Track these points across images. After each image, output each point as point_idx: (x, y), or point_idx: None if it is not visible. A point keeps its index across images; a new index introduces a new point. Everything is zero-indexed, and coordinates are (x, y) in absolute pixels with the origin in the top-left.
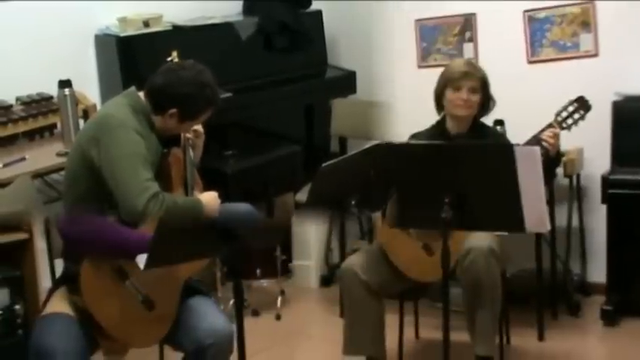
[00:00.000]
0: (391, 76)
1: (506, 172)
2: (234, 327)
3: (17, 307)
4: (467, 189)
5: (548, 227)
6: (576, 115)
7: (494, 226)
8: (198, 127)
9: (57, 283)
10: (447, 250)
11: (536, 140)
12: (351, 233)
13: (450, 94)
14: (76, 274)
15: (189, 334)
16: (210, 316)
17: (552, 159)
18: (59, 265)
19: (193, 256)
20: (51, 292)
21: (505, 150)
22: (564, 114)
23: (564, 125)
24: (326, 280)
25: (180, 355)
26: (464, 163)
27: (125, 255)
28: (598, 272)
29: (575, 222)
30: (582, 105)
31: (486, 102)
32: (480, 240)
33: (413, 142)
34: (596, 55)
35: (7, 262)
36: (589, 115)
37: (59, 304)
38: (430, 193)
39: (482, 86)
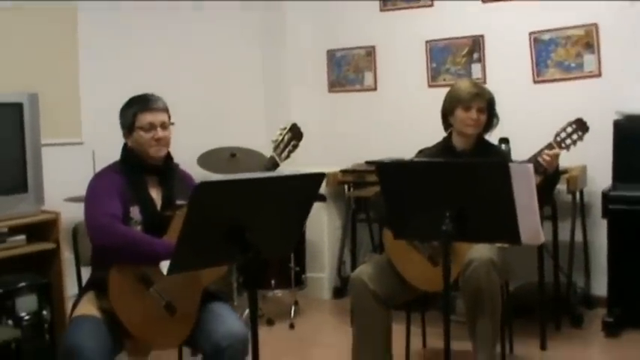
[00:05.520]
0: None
1: (502, 187)
2: (249, 332)
3: (45, 312)
4: (466, 203)
5: (542, 240)
6: (575, 136)
7: (492, 238)
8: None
9: (86, 288)
10: (448, 260)
11: (534, 159)
12: (364, 246)
13: (460, 114)
14: (103, 280)
15: (208, 336)
16: (228, 320)
17: (550, 177)
18: (85, 272)
19: (212, 263)
20: (80, 296)
21: (501, 167)
22: (563, 134)
23: (563, 145)
24: (338, 292)
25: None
26: (463, 180)
27: (150, 261)
28: (601, 285)
29: (579, 237)
30: (580, 126)
31: (491, 120)
32: (482, 252)
33: (416, 159)
34: (599, 75)
35: (35, 270)
36: (592, 133)
37: (88, 307)
38: (432, 206)
39: (489, 105)
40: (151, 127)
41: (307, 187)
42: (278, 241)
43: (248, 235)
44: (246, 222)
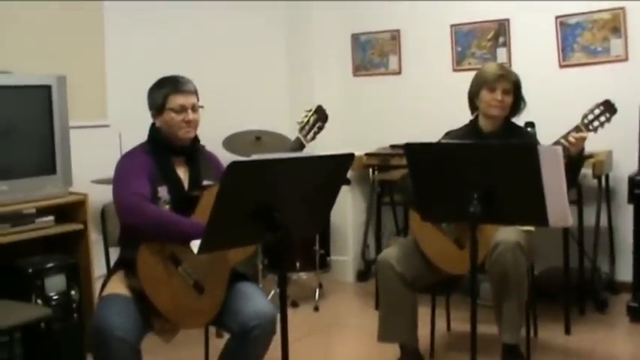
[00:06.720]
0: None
1: (531, 169)
2: (277, 311)
3: (73, 292)
4: (494, 185)
5: (570, 222)
6: (602, 118)
7: (519, 220)
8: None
9: (115, 268)
10: (475, 242)
11: (560, 141)
12: (388, 230)
13: (485, 95)
14: (132, 259)
15: (235, 315)
16: (255, 299)
17: (574, 160)
18: (113, 253)
19: (242, 242)
20: (109, 275)
21: (529, 149)
22: (591, 116)
23: (590, 127)
24: (362, 275)
25: (220, 341)
26: (491, 161)
27: (179, 240)
28: (626, 271)
29: (604, 222)
30: (608, 108)
31: (518, 103)
32: (508, 235)
33: (445, 141)
34: (625, 59)
35: (63, 251)
36: (618, 118)
37: (117, 286)
38: (460, 188)
39: (515, 88)
40: (182, 109)
41: (337, 167)
42: (307, 221)
43: (277, 215)
44: (276, 202)
